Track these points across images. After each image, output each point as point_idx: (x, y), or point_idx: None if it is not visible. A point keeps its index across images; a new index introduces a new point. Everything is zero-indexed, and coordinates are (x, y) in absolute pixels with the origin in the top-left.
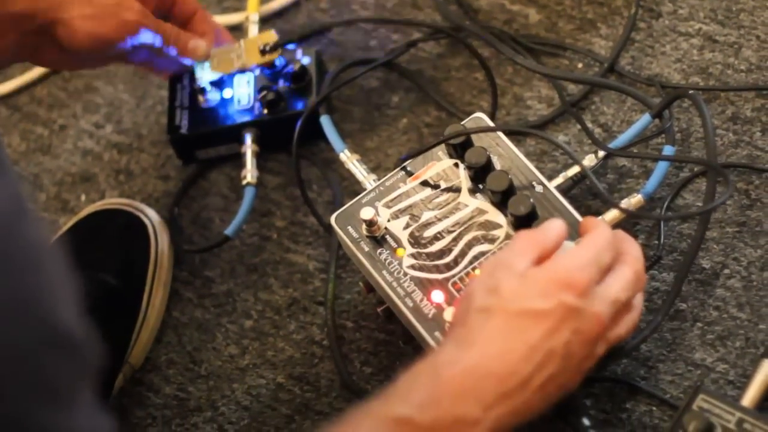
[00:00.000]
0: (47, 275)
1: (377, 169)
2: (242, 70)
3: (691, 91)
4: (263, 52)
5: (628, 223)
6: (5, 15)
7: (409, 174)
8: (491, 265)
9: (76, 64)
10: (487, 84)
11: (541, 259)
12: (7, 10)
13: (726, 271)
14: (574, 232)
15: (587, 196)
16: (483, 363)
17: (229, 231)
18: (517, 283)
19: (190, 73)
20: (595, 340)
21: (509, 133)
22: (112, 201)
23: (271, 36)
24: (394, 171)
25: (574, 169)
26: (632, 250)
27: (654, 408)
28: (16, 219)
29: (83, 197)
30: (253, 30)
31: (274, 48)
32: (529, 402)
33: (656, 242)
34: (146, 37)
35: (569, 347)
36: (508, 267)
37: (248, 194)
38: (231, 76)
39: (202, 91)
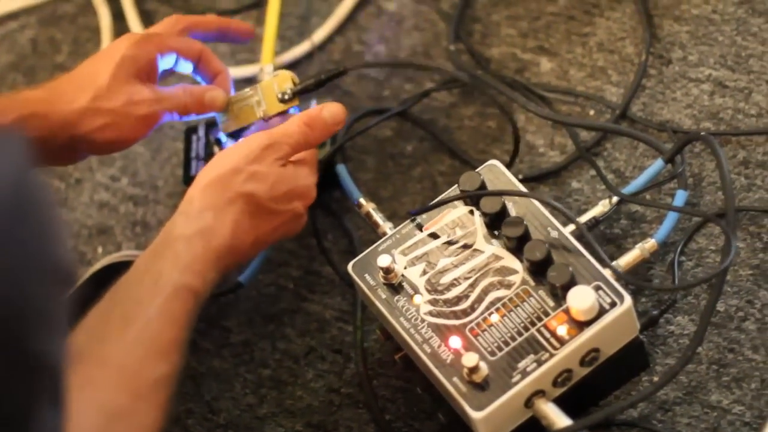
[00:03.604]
0: (56, 222)
1: (392, 217)
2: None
3: (703, 133)
4: (282, 101)
5: (643, 267)
6: None
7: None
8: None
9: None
10: (500, 132)
11: None
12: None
13: (740, 313)
14: (589, 275)
15: (602, 242)
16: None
17: (242, 277)
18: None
19: (206, 124)
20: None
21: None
22: (129, 253)
23: (286, 78)
24: (408, 220)
25: (587, 215)
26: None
27: None
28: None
29: (100, 249)
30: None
31: (293, 96)
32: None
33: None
34: (166, 117)
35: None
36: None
37: None
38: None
39: (218, 141)
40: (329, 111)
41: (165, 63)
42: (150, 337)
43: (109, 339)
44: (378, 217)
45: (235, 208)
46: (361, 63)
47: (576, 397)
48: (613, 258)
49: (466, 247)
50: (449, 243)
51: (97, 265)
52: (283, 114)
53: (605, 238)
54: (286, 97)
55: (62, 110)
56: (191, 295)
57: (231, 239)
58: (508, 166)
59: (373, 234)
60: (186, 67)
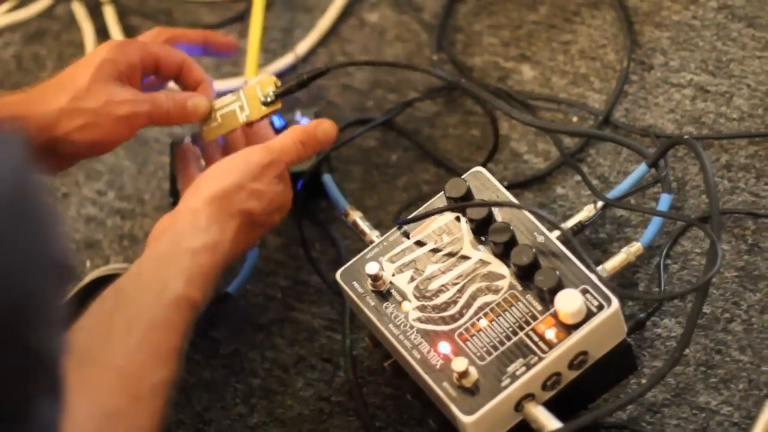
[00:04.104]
0: (55, 219)
1: (378, 226)
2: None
3: (686, 137)
4: (265, 104)
5: (629, 271)
6: None
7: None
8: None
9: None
10: (484, 140)
11: None
12: None
13: (726, 315)
14: (576, 278)
15: (587, 247)
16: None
17: (231, 288)
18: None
19: (192, 137)
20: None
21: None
22: (117, 266)
23: (269, 82)
24: (395, 228)
25: (573, 220)
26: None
27: None
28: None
29: (88, 263)
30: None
31: (276, 98)
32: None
33: (656, 289)
34: (148, 125)
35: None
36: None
37: (251, 255)
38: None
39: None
40: (323, 130)
41: (146, 69)
42: (151, 343)
43: (111, 342)
44: (365, 225)
45: (234, 223)
46: (342, 62)
47: (565, 400)
48: (599, 262)
49: (453, 253)
50: (436, 249)
51: (86, 279)
52: (267, 117)
53: (591, 243)
54: (269, 99)
55: (41, 111)
56: (192, 307)
57: (230, 253)
58: (487, 160)
59: (360, 243)
60: (168, 77)
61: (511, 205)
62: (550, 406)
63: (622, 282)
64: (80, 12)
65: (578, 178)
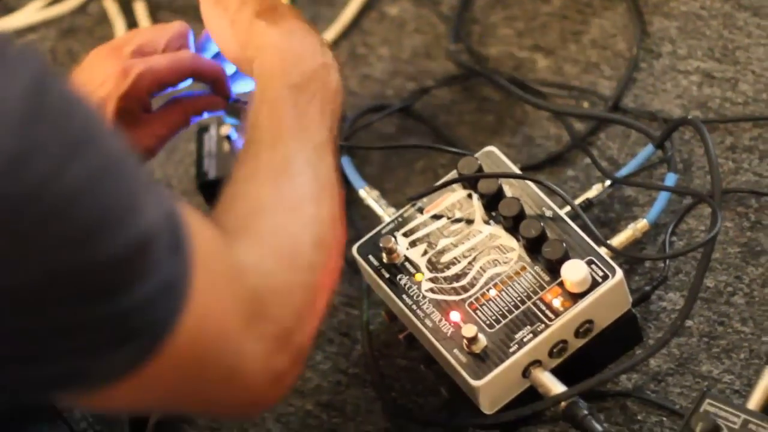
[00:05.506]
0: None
1: (396, 206)
2: None
3: (690, 117)
4: None
5: (635, 248)
6: None
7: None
8: None
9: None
10: (499, 125)
11: None
12: None
13: (729, 288)
14: (582, 250)
15: (596, 225)
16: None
17: None
18: None
19: (218, 123)
20: None
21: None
22: None
23: None
24: (409, 205)
25: (581, 198)
26: None
27: (664, 418)
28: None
29: None
30: None
31: None
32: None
33: (662, 264)
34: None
35: None
36: None
37: None
38: None
39: (228, 138)
40: None
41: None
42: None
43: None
44: (381, 203)
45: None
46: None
47: (572, 369)
48: (606, 239)
49: (465, 227)
50: (449, 224)
51: None
52: None
53: (600, 221)
54: None
55: None
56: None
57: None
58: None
59: (377, 221)
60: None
61: (517, 176)
62: (557, 373)
63: (629, 258)
64: (112, 9)
65: (588, 160)
